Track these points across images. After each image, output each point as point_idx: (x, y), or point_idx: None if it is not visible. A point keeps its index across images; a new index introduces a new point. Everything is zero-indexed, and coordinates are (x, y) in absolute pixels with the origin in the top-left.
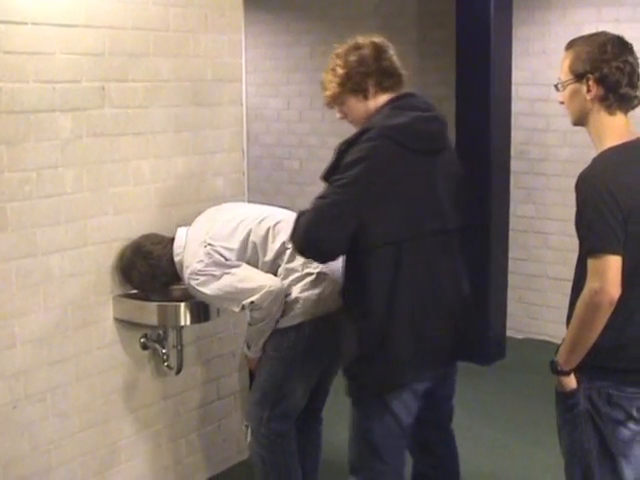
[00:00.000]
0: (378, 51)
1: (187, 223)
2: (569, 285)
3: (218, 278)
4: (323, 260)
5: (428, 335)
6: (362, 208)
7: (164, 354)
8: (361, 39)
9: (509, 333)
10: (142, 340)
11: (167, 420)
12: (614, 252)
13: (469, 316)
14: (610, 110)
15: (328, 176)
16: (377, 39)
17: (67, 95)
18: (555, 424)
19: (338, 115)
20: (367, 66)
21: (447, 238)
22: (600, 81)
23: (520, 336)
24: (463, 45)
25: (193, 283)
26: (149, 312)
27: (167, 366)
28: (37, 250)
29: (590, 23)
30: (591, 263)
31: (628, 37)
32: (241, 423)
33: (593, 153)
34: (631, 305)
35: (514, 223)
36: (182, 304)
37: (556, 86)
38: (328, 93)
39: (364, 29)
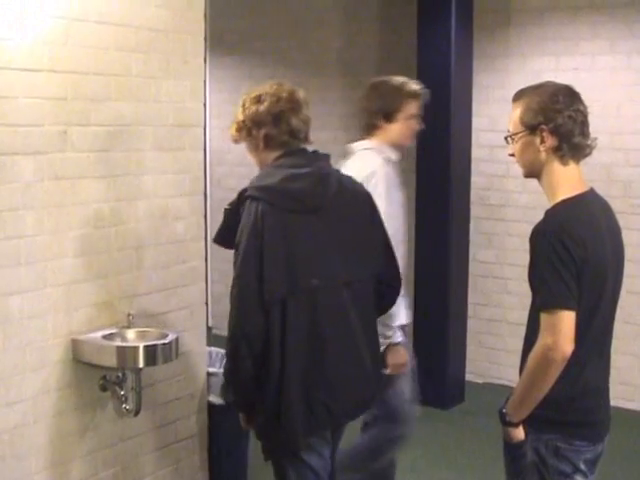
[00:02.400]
0: (281, 108)
1: (146, 266)
2: None
3: None
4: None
5: (320, 402)
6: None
7: (123, 396)
8: (272, 88)
9: (469, 377)
10: (101, 382)
11: (125, 462)
12: (568, 307)
13: (371, 376)
14: (563, 160)
15: (220, 239)
16: (289, 93)
17: (29, 138)
18: None
19: None
20: (261, 123)
21: (338, 293)
22: (554, 131)
23: (480, 380)
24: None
25: None
26: (108, 354)
27: (125, 408)
28: None
29: (548, 71)
30: (544, 318)
31: (586, 86)
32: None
33: None
34: (583, 358)
35: (474, 268)
36: (140, 346)
37: (506, 138)
38: (231, 131)
39: (326, 75)
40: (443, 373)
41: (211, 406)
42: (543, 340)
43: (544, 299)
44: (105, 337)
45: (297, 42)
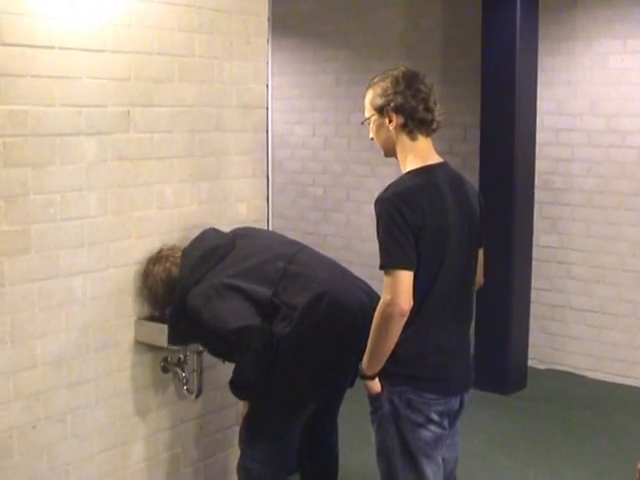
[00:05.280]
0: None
1: None
2: (592, 316)
3: None
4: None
5: None
6: None
7: (184, 378)
8: None
9: (531, 363)
10: (162, 363)
11: (186, 444)
12: (404, 267)
13: None
14: (411, 136)
15: None
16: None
17: (92, 119)
18: (575, 455)
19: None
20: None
21: None
22: (398, 110)
23: (542, 366)
24: (488, 74)
25: None
26: None
27: (187, 390)
28: (60, 272)
29: (615, 54)
30: (385, 278)
31: None
32: None
33: (619, 184)
34: (429, 318)
35: (537, 253)
36: None
37: (363, 124)
38: None
39: (390, 57)
40: (505, 359)
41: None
42: (384, 297)
43: (383, 260)
44: None
45: (360, 24)
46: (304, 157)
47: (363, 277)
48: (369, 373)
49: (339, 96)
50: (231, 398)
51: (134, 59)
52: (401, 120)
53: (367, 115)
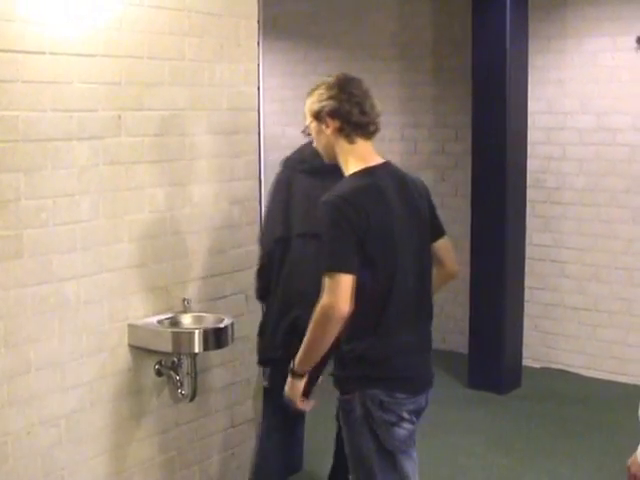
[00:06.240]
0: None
1: (201, 250)
2: (586, 314)
3: None
4: None
5: None
6: None
7: (178, 381)
8: None
9: (525, 362)
10: (156, 367)
11: (181, 447)
12: (345, 271)
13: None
14: (350, 139)
15: None
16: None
17: (84, 124)
18: (571, 453)
19: None
20: None
21: None
22: (333, 114)
23: (536, 365)
24: (479, 74)
25: None
26: (163, 339)
27: (181, 393)
28: (53, 277)
29: (605, 52)
30: (326, 280)
31: None
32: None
33: (610, 181)
34: (392, 319)
35: (530, 252)
36: (196, 331)
37: (304, 132)
38: None
39: (381, 58)
40: (500, 358)
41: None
42: (324, 299)
43: (324, 263)
44: (161, 322)
45: (351, 25)
46: None
47: None
48: (301, 371)
49: None
50: (226, 401)
51: (125, 63)
52: (337, 124)
53: (307, 123)
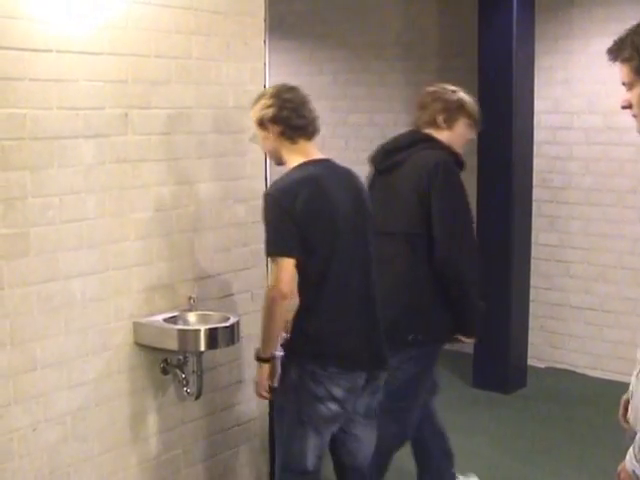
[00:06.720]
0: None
1: (207, 249)
2: (592, 314)
3: None
4: None
5: None
6: None
7: (184, 379)
8: None
9: (530, 362)
10: (162, 365)
11: (186, 445)
12: (284, 255)
13: None
14: (292, 141)
15: None
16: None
17: (90, 121)
18: (576, 454)
19: None
20: None
21: None
22: (274, 120)
23: (541, 365)
24: (485, 74)
25: None
26: (169, 337)
27: (187, 391)
28: (59, 274)
29: None
30: (271, 265)
31: None
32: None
33: (617, 181)
34: (330, 305)
35: (536, 251)
36: (202, 329)
37: (251, 140)
38: None
39: (386, 58)
40: (505, 358)
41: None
42: (269, 282)
43: (267, 249)
44: (166, 320)
45: (357, 25)
46: None
47: None
48: (265, 355)
49: (336, 97)
50: (231, 399)
51: (131, 61)
52: (279, 129)
53: (252, 135)
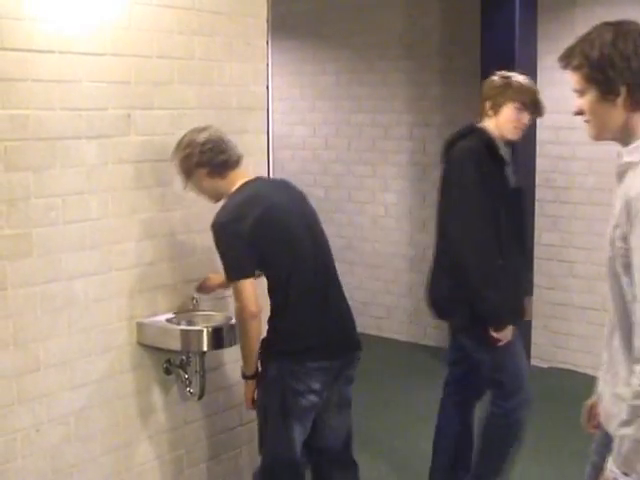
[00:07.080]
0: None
1: (210, 249)
2: (595, 314)
3: None
4: None
5: None
6: None
7: (187, 379)
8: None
9: (533, 362)
10: (165, 365)
11: (189, 445)
12: (243, 276)
13: None
14: (222, 176)
15: None
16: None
17: (93, 122)
18: (578, 453)
19: None
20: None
21: None
22: (199, 166)
23: (545, 365)
24: (488, 74)
25: None
26: (172, 337)
27: (189, 391)
28: (62, 275)
29: None
30: (233, 288)
31: None
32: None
33: None
34: (296, 305)
35: (539, 251)
36: (205, 329)
37: (185, 188)
38: None
39: (389, 57)
40: None
41: None
42: (235, 305)
43: (226, 274)
44: (169, 320)
45: (359, 25)
46: (305, 158)
47: (365, 277)
48: (249, 373)
49: (339, 96)
50: (234, 399)
51: (133, 62)
52: (206, 171)
53: (184, 184)
